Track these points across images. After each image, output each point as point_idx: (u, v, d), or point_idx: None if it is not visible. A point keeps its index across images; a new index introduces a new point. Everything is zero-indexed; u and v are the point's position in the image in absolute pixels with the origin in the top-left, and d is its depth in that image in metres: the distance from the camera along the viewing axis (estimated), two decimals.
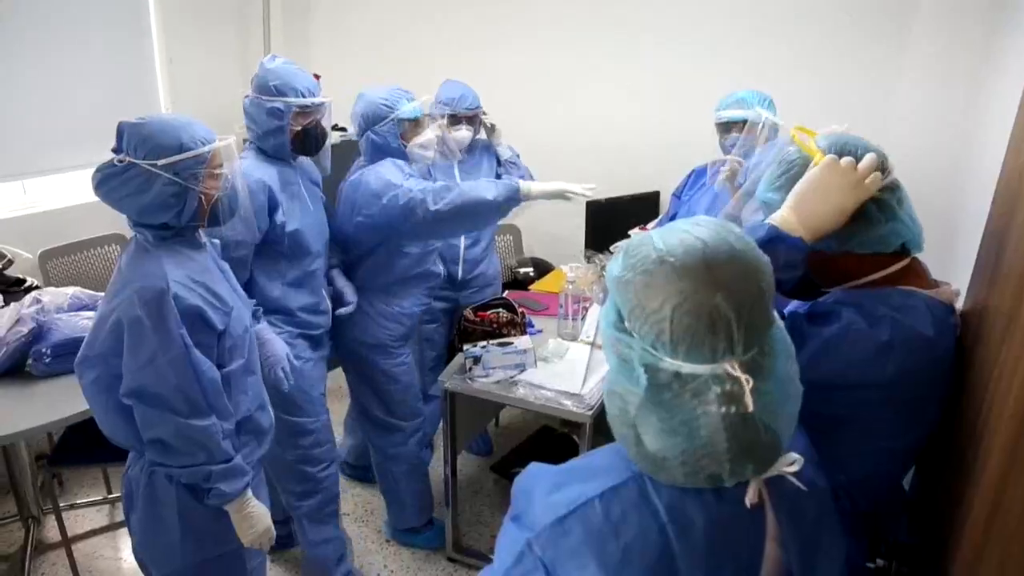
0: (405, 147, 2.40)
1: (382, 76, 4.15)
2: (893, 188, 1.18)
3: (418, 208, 2.24)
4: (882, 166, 1.16)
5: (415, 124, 2.42)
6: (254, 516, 1.68)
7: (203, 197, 1.59)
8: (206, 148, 1.58)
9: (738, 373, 0.73)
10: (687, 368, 0.75)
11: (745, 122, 2.50)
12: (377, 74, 4.17)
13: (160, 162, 1.51)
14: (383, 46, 4.15)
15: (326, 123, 2.30)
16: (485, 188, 2.30)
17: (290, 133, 2.19)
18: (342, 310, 2.41)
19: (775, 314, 0.81)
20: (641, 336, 0.78)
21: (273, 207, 2.14)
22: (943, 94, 2.92)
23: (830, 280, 1.25)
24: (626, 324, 0.79)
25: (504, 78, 3.79)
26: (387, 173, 2.32)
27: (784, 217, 1.15)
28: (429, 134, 2.44)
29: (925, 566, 1.28)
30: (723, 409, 0.74)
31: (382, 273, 2.48)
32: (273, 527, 1.74)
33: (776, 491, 0.84)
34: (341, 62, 4.26)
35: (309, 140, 2.25)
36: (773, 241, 1.12)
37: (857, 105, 3.09)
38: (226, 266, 1.79)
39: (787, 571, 0.84)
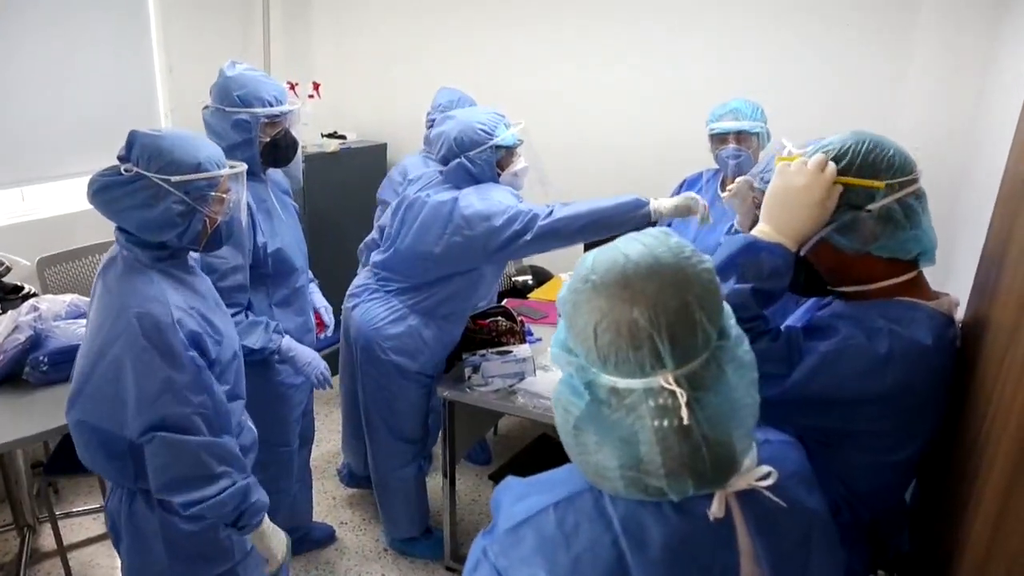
0: (499, 175, 2.32)
1: (384, 82, 4.19)
2: (919, 195, 1.18)
3: (532, 223, 2.16)
4: (910, 169, 1.17)
5: (509, 152, 2.34)
6: (274, 531, 1.68)
7: (207, 220, 1.57)
8: (222, 172, 1.56)
9: (673, 386, 0.74)
10: (622, 383, 0.76)
11: (739, 133, 2.50)
12: (379, 80, 4.20)
13: (174, 178, 1.47)
14: (385, 53, 4.15)
15: (295, 131, 2.20)
16: (607, 200, 2.22)
17: (259, 145, 2.09)
18: (322, 336, 2.38)
19: (727, 323, 0.80)
20: (579, 354, 0.80)
21: (252, 227, 2.08)
22: (945, 101, 2.91)
23: (842, 281, 1.25)
24: (569, 342, 0.82)
25: (503, 83, 3.79)
26: (497, 195, 2.23)
27: (760, 229, 1.20)
28: (523, 162, 2.36)
29: None
30: (655, 423, 0.75)
31: (456, 300, 2.41)
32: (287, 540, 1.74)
33: (748, 505, 0.83)
34: (343, 70, 4.27)
35: (280, 151, 2.15)
36: (750, 249, 1.17)
37: (860, 110, 3.10)
38: (215, 293, 1.76)
39: None
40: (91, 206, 1.52)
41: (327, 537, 2.79)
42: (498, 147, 2.28)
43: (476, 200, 2.22)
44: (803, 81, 3.17)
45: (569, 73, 3.71)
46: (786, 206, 1.17)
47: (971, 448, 1.10)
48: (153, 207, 1.47)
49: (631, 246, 0.80)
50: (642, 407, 0.75)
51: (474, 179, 2.30)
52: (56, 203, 3.38)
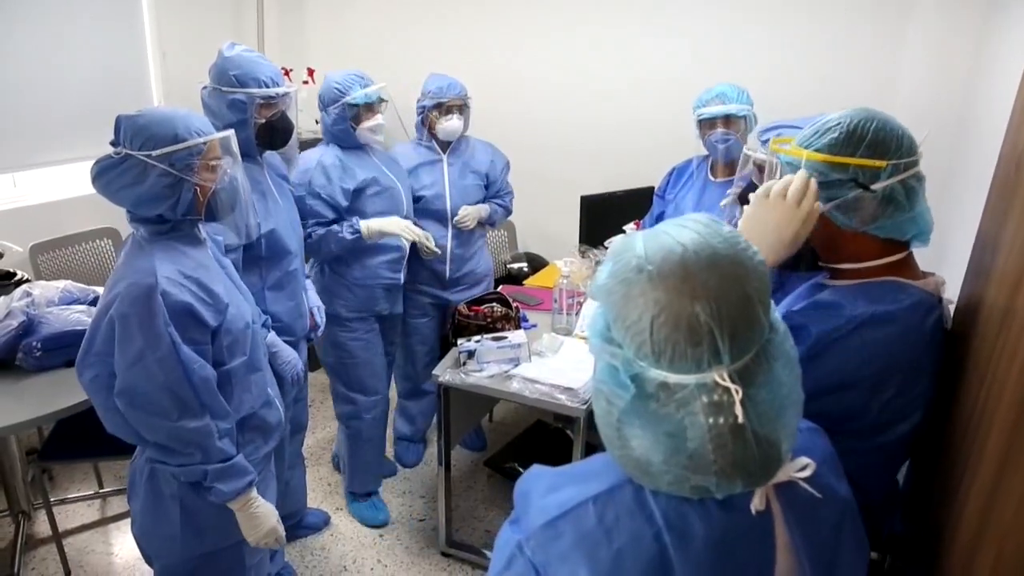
0: (355, 130, 2.51)
1: (378, 69, 4.14)
2: (920, 177, 1.18)
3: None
4: (914, 149, 1.16)
5: (368, 109, 2.52)
6: (258, 516, 1.67)
7: (199, 189, 1.58)
8: (201, 139, 1.57)
9: (727, 383, 0.71)
10: (673, 378, 0.72)
11: (727, 117, 2.49)
12: (373, 67, 4.16)
13: (155, 153, 1.51)
14: (379, 39, 4.13)
15: (291, 114, 2.20)
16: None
17: (254, 127, 2.10)
18: (312, 334, 2.39)
19: (775, 317, 0.77)
20: (626, 346, 0.75)
21: None
22: (940, 81, 2.91)
23: (835, 257, 1.25)
24: (612, 333, 0.77)
25: (497, 73, 3.78)
26: (312, 171, 2.47)
27: None
28: (379, 119, 2.55)
29: (919, 559, 1.28)
30: (710, 420, 0.72)
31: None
32: (281, 527, 1.73)
33: (786, 497, 0.81)
34: (336, 55, 4.24)
35: (275, 133, 2.15)
36: None
37: (854, 89, 3.09)
38: (228, 263, 1.77)
39: None
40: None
41: (322, 523, 2.80)
42: (351, 105, 2.48)
43: (305, 162, 2.48)
44: (796, 62, 3.17)
45: (561, 58, 3.69)
46: (760, 236, 1.16)
47: (966, 427, 1.11)
48: (141, 183, 1.51)
49: (684, 234, 0.75)
50: (694, 403, 0.72)
51: (331, 133, 2.55)
52: (49, 189, 3.37)
